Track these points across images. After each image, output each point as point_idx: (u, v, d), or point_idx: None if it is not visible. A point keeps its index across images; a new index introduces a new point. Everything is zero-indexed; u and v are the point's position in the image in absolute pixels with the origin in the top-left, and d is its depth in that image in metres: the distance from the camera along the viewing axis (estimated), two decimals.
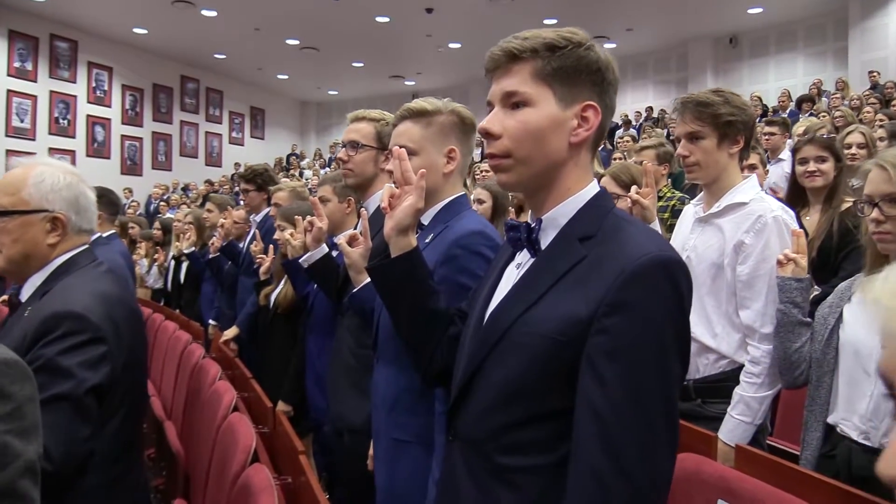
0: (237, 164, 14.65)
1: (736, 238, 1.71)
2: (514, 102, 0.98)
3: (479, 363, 0.99)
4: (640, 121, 12.11)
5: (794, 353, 1.57)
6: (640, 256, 0.87)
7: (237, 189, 3.69)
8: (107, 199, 2.91)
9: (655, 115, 12.17)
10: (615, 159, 6.05)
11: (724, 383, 1.70)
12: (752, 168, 3.02)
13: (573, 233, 0.96)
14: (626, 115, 12.15)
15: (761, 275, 1.67)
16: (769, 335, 1.65)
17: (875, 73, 9.81)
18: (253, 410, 2.52)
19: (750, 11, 11.81)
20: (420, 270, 1.18)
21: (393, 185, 1.23)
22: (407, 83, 16.14)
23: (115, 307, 1.43)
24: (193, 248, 4.47)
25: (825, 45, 12.22)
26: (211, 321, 4.08)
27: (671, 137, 7.60)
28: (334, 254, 2.15)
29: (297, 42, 13.36)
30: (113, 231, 2.97)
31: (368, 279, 1.47)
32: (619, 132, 10.05)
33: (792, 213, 1.77)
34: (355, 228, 1.90)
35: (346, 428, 1.92)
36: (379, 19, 11.97)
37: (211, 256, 3.98)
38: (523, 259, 1.04)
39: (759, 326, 1.66)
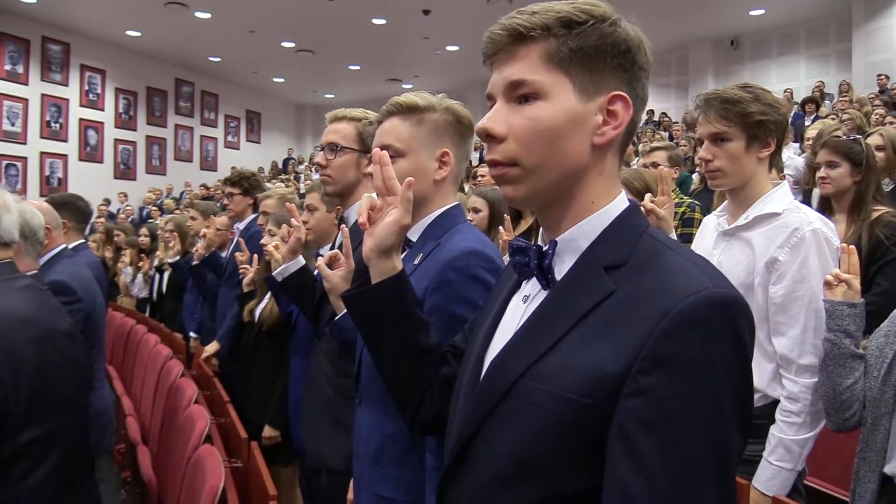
0: (233, 169, 14.38)
1: (768, 254, 1.50)
2: (521, 95, 0.77)
3: (477, 425, 0.77)
4: (640, 125, 11.89)
5: (844, 390, 1.35)
6: (690, 294, 0.66)
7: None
8: (73, 206, 2.67)
9: (656, 118, 11.99)
10: None
11: (757, 420, 1.45)
12: None
13: (597, 260, 0.75)
14: None
15: (798, 297, 1.46)
16: (808, 367, 1.44)
17: (883, 77, 9.64)
18: (228, 439, 2.33)
19: (752, 13, 11.63)
20: (406, 299, 0.97)
21: (373, 196, 1.01)
22: (404, 86, 15.96)
23: (13, 327, 1.22)
24: (178, 258, 4.30)
25: (828, 47, 12.05)
26: (192, 334, 3.89)
27: (676, 141, 7.43)
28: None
29: (292, 45, 13.21)
30: (81, 241, 2.74)
31: None
32: None
33: (832, 225, 1.56)
34: (335, 244, 1.69)
35: (323, 467, 1.70)
36: (375, 21, 11.79)
37: (194, 264, 3.78)
38: (533, 291, 0.82)
39: (797, 357, 1.45)
